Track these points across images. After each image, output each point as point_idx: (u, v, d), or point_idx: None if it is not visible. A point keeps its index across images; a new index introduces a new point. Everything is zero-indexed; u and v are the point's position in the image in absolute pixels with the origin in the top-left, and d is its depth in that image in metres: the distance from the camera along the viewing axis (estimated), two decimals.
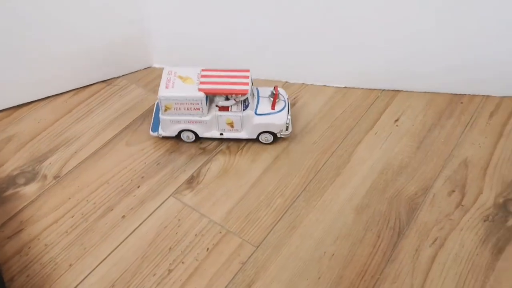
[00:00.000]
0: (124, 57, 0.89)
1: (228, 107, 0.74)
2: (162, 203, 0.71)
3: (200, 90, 0.72)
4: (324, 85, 0.90)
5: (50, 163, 0.76)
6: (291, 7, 0.80)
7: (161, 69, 0.92)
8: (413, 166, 0.76)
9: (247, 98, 0.73)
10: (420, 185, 0.74)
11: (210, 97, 0.75)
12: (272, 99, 0.76)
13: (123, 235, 0.67)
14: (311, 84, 0.90)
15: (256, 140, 0.79)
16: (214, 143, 0.79)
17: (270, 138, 0.78)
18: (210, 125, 0.76)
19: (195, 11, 0.83)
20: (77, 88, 0.88)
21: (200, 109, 0.73)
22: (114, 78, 0.90)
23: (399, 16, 0.79)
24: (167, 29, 0.87)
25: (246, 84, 0.72)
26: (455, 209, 0.71)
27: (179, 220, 0.69)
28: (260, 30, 0.84)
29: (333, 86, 0.89)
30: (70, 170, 0.75)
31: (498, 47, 0.81)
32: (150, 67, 0.93)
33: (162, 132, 0.77)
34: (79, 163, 0.76)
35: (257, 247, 0.66)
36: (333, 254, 0.66)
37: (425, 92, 0.88)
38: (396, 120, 0.83)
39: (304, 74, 0.89)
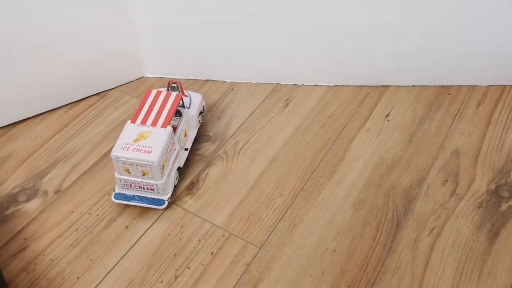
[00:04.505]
0: (116, 69, 0.90)
1: (175, 125, 0.76)
2: (164, 211, 0.72)
3: (163, 126, 0.71)
4: (315, 85, 0.91)
5: (50, 179, 0.77)
6: (277, 12, 0.81)
7: (154, 79, 0.94)
8: (406, 159, 0.78)
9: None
10: (414, 177, 0.75)
11: None
12: (178, 91, 0.80)
13: (128, 245, 0.68)
14: (302, 85, 0.91)
15: (251, 144, 0.81)
16: (211, 149, 0.81)
17: (200, 117, 0.84)
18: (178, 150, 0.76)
19: (182, 20, 0.85)
20: (71, 103, 0.89)
21: (178, 140, 0.74)
22: (107, 90, 0.91)
23: (384, 14, 0.81)
24: (156, 39, 0.88)
25: (170, 93, 0.75)
26: (449, 198, 0.73)
27: (181, 226, 0.70)
28: (248, 34, 0.86)
29: (324, 85, 0.91)
30: (70, 185, 0.76)
31: (482, 39, 0.83)
32: (142, 77, 0.94)
33: (168, 192, 0.72)
34: (78, 177, 0.77)
35: (260, 248, 0.68)
36: (334, 250, 0.67)
37: (413, 86, 0.90)
38: (387, 115, 0.85)
39: (295, 75, 0.91)
